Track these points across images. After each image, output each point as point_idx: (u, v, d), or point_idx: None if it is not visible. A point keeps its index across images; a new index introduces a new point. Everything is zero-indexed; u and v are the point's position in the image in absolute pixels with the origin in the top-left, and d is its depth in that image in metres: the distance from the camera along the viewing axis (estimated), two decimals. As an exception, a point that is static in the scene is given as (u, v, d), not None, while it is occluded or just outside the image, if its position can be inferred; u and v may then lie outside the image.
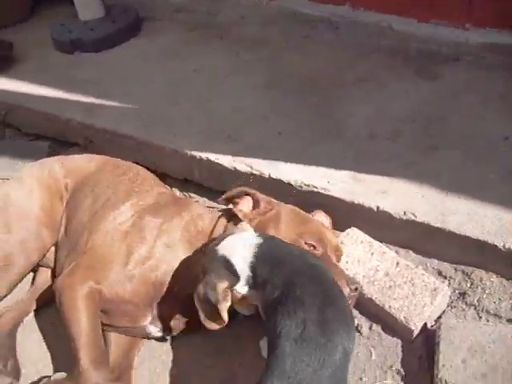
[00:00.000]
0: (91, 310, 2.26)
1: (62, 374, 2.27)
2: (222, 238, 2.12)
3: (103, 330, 2.37)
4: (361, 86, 3.23)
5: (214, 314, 1.97)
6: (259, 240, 2.02)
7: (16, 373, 2.44)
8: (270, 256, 1.98)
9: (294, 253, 2.01)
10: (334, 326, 1.77)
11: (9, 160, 3.57)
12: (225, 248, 2.03)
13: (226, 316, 1.95)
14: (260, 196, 2.40)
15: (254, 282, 1.96)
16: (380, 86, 3.20)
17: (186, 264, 2.31)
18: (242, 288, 1.98)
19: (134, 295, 2.30)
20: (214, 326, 2.02)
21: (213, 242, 2.17)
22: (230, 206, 2.43)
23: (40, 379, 2.30)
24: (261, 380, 1.71)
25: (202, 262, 2.10)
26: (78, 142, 3.47)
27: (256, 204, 2.40)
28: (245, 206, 2.40)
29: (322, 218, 2.53)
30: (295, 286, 1.84)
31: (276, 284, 1.88)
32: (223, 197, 2.46)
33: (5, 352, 2.49)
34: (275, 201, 2.42)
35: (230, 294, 1.97)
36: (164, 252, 2.34)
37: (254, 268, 1.95)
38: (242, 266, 1.96)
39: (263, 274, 1.93)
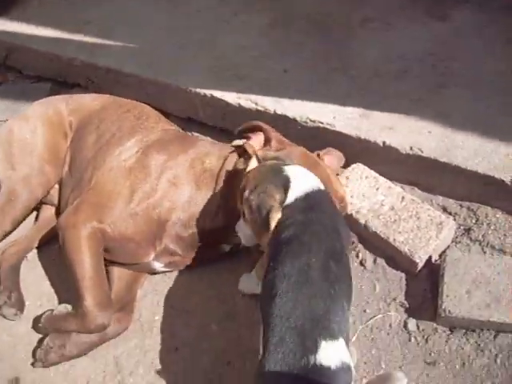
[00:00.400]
0: (95, 251, 2.26)
1: (65, 306, 2.28)
2: (290, 163, 2.08)
3: (106, 265, 2.38)
4: (368, 26, 3.16)
5: (263, 224, 1.89)
6: (319, 186, 1.97)
7: (20, 304, 2.46)
8: (310, 201, 1.91)
9: (327, 209, 1.94)
10: (336, 276, 1.73)
11: (11, 103, 3.53)
12: (293, 171, 1.97)
13: (273, 225, 1.86)
14: (273, 134, 2.33)
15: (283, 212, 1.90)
16: (387, 26, 3.13)
17: (193, 202, 2.30)
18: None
19: (137, 233, 2.29)
20: (252, 241, 2.05)
21: (274, 158, 2.14)
22: (243, 141, 2.36)
23: (44, 313, 2.31)
24: (262, 320, 1.71)
25: (255, 174, 2.02)
26: (79, 82, 3.42)
27: (267, 141, 2.32)
28: (257, 142, 2.33)
29: (333, 158, 2.48)
30: (306, 232, 1.80)
31: (296, 222, 1.83)
32: (238, 129, 2.38)
33: (9, 284, 2.50)
34: (287, 141, 2.35)
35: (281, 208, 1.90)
36: (168, 189, 2.31)
37: (296, 201, 1.89)
38: (294, 194, 1.90)
39: (295, 210, 1.87)
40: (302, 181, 1.94)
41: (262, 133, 2.34)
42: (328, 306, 1.64)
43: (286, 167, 1.99)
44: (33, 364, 2.25)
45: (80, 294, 2.20)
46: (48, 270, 2.64)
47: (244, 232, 2.08)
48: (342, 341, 1.60)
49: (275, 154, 2.23)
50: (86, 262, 2.22)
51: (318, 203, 1.92)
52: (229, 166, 2.33)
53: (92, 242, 2.26)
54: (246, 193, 1.96)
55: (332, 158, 2.49)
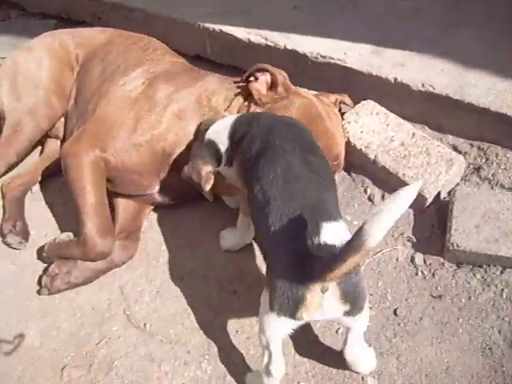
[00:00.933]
0: (97, 179, 2.24)
1: (67, 235, 2.30)
2: (211, 122, 2.10)
3: (111, 196, 2.36)
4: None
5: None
6: (236, 116, 2.07)
7: (25, 233, 2.46)
8: (245, 118, 2.03)
9: (269, 115, 2.04)
10: (317, 166, 1.78)
11: (14, 39, 3.48)
12: (212, 133, 2.05)
13: (210, 197, 2.11)
14: (281, 78, 2.21)
15: (232, 148, 1.99)
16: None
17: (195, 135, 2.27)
18: (224, 169, 2.04)
19: (140, 164, 2.27)
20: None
21: (202, 124, 2.16)
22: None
23: (46, 244, 2.32)
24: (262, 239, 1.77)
25: (193, 147, 2.16)
26: (84, 19, 3.37)
27: (273, 86, 2.22)
28: (263, 85, 2.24)
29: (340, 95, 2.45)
30: (274, 137, 1.83)
31: (254, 136, 1.88)
32: (246, 74, 2.28)
33: (14, 214, 2.50)
34: (294, 88, 2.25)
35: (212, 176, 2.05)
36: (173, 122, 2.27)
37: (231, 134, 1.99)
38: (224, 142, 2.01)
39: (240, 131, 1.96)
40: (223, 130, 2.03)
41: (268, 74, 2.24)
42: (320, 192, 1.71)
43: (207, 132, 2.07)
44: (38, 291, 2.25)
45: (81, 222, 2.20)
46: (53, 201, 2.64)
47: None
48: (341, 222, 1.65)
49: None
50: (87, 190, 2.21)
51: (253, 116, 2.06)
52: (234, 109, 2.26)
53: (94, 170, 2.24)
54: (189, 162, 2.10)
55: (343, 99, 2.47)
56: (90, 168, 2.23)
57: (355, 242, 1.36)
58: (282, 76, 2.23)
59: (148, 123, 2.27)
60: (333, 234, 1.58)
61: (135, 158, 2.26)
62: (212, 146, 2.03)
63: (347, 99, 2.48)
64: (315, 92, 2.38)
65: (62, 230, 2.47)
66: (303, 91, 2.28)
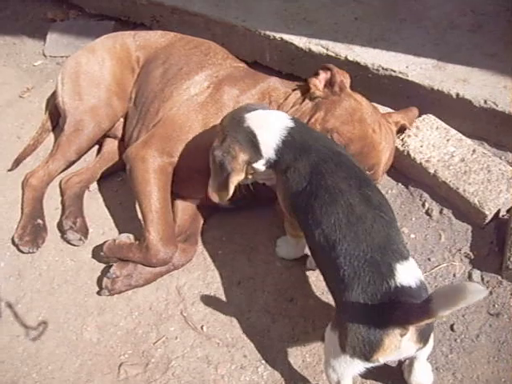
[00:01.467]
0: (163, 185, 2.28)
1: (128, 236, 2.31)
2: (253, 107, 2.01)
3: (171, 197, 2.40)
4: (442, -21, 3.09)
5: (222, 184, 1.93)
6: (291, 124, 1.91)
7: (84, 230, 2.51)
8: (297, 142, 1.86)
9: (321, 141, 1.89)
10: (377, 200, 1.73)
11: (74, 39, 3.57)
12: (253, 120, 1.92)
13: (232, 189, 1.91)
14: (339, 78, 2.22)
15: (276, 165, 1.89)
16: (462, -20, 3.06)
17: None
18: (261, 166, 1.92)
19: (205, 167, 2.27)
20: (215, 197, 1.99)
21: (243, 107, 2.06)
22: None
23: (104, 243, 2.35)
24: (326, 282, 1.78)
25: (225, 122, 1.99)
26: (143, 21, 3.42)
27: (331, 84, 2.24)
28: (322, 81, 2.27)
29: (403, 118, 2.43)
30: (324, 176, 1.76)
31: (301, 172, 1.80)
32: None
33: (74, 210, 2.55)
34: (349, 91, 2.23)
35: (245, 168, 1.92)
36: None
37: (279, 152, 1.86)
38: (268, 146, 1.87)
39: (287, 159, 1.84)
40: (270, 127, 1.89)
41: (329, 72, 2.25)
42: (387, 231, 1.66)
43: (247, 115, 1.93)
44: (99, 292, 2.29)
45: (145, 227, 2.24)
46: (110, 201, 2.68)
47: None
48: (411, 259, 1.64)
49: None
50: (153, 196, 2.25)
51: (304, 140, 1.87)
52: (289, 103, 2.29)
53: (161, 176, 2.28)
54: (214, 144, 1.94)
55: (406, 115, 2.45)
56: (158, 173, 2.27)
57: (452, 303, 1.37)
58: (340, 76, 2.24)
59: (216, 126, 2.29)
60: (407, 274, 1.58)
61: (201, 161, 2.26)
62: (251, 137, 1.89)
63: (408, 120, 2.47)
64: (377, 105, 2.39)
65: (119, 230, 2.53)
66: (359, 96, 2.26)
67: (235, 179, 1.90)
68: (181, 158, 2.29)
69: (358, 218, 1.67)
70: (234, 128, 1.92)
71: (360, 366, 1.63)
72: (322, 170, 1.77)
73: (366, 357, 1.58)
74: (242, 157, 1.88)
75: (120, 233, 2.47)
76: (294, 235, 2.10)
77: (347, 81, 2.26)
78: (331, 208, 1.70)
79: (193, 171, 2.30)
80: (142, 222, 2.27)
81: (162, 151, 2.29)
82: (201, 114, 2.33)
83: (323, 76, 2.26)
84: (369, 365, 1.63)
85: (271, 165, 1.89)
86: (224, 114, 2.24)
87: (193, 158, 2.29)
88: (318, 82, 2.26)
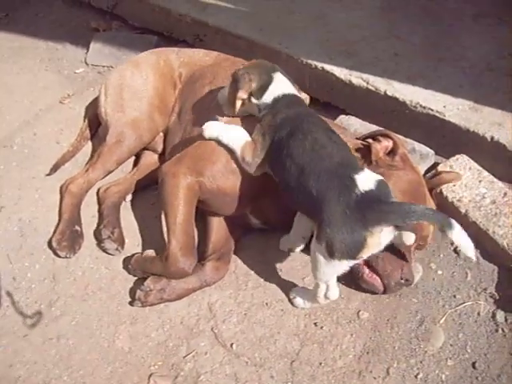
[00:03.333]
0: (189, 201, 2.35)
1: (151, 252, 2.42)
2: (284, 75, 2.33)
3: (206, 215, 2.49)
4: (481, 21, 3.17)
5: (231, 97, 2.30)
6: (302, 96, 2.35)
7: (121, 240, 2.58)
8: (295, 101, 2.26)
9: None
10: (339, 140, 2.10)
11: (116, 50, 3.66)
12: (278, 78, 2.28)
13: (237, 104, 2.29)
14: (400, 148, 2.27)
15: (265, 108, 2.23)
16: (500, 22, 3.14)
17: None
18: (254, 101, 2.27)
19: (234, 189, 2.35)
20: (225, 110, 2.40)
21: (277, 67, 2.35)
22: (370, 140, 2.33)
23: (133, 255, 2.45)
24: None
25: (255, 64, 2.36)
26: (186, 39, 3.50)
27: (393, 153, 2.28)
28: (383, 148, 2.29)
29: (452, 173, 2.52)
30: (303, 122, 2.12)
31: (290, 117, 2.15)
32: (366, 134, 2.39)
33: (112, 220, 2.63)
34: (410, 162, 2.29)
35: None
36: None
37: (276, 100, 2.22)
38: (271, 95, 2.23)
39: (281, 106, 2.20)
40: (280, 85, 2.26)
41: (391, 141, 2.30)
42: (343, 153, 2.04)
43: (274, 74, 2.28)
44: (131, 303, 2.36)
45: (168, 238, 2.32)
46: (146, 213, 2.76)
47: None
48: (366, 169, 1.98)
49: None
50: (179, 210, 2.32)
51: (300, 102, 2.28)
52: None
53: (188, 192, 2.35)
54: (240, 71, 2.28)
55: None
56: (186, 190, 2.34)
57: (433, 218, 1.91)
58: (402, 147, 2.30)
59: None
60: (366, 181, 1.90)
61: (230, 183, 2.34)
62: (267, 83, 2.24)
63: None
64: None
65: (152, 243, 2.58)
66: (418, 168, 2.34)
67: (241, 96, 2.25)
68: (212, 179, 2.35)
69: (321, 146, 2.03)
70: (261, 70, 2.29)
71: (347, 265, 1.96)
72: (303, 119, 2.14)
73: (354, 257, 1.91)
74: (252, 86, 2.25)
75: (154, 246, 2.53)
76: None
77: (406, 149, 2.34)
78: (301, 142, 2.05)
79: (223, 192, 2.36)
80: (165, 235, 2.36)
81: (192, 170, 2.36)
82: None
83: (385, 143, 2.29)
84: (355, 262, 1.96)
85: (260, 106, 2.26)
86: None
87: (223, 180, 2.35)
88: (380, 149, 2.29)
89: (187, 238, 2.33)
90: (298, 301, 2.31)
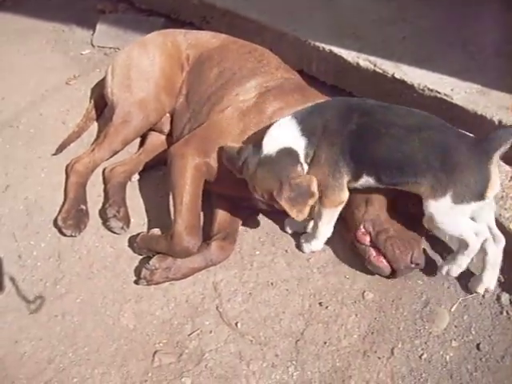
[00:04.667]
0: (196, 181, 2.37)
1: (157, 231, 2.42)
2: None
3: (212, 196, 2.49)
4: (489, 6, 3.15)
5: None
6: (292, 115, 2.20)
7: (127, 220, 2.59)
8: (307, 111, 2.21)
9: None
10: None
11: (122, 32, 3.66)
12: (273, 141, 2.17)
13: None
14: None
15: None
16: (510, 7, 3.12)
17: None
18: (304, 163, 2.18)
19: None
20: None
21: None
22: None
23: (138, 234, 2.46)
24: None
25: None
26: (193, 21, 3.50)
27: None
28: None
29: None
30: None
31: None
32: None
33: (117, 199, 2.64)
34: None
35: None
36: None
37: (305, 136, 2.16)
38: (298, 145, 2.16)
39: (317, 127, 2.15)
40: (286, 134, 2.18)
41: None
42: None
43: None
44: (137, 282, 2.37)
45: (174, 216, 2.34)
46: (151, 193, 2.77)
47: None
48: None
49: None
50: (185, 189, 2.33)
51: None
52: None
53: (195, 173, 2.36)
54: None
55: None
56: (193, 170, 2.36)
57: None
58: None
59: (253, 135, 2.36)
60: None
61: None
62: (287, 154, 2.14)
63: None
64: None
65: (158, 222, 2.59)
66: None
67: (311, 202, 2.14)
68: (218, 161, 2.37)
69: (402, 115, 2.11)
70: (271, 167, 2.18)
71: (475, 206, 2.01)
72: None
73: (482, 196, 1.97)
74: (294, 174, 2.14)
75: (159, 225, 2.53)
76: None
77: None
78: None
79: (229, 174, 2.36)
80: (172, 214, 2.37)
81: (200, 151, 2.37)
82: (242, 122, 2.40)
83: None
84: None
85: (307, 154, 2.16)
86: (265, 125, 2.30)
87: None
88: None
89: (193, 218, 2.34)
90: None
